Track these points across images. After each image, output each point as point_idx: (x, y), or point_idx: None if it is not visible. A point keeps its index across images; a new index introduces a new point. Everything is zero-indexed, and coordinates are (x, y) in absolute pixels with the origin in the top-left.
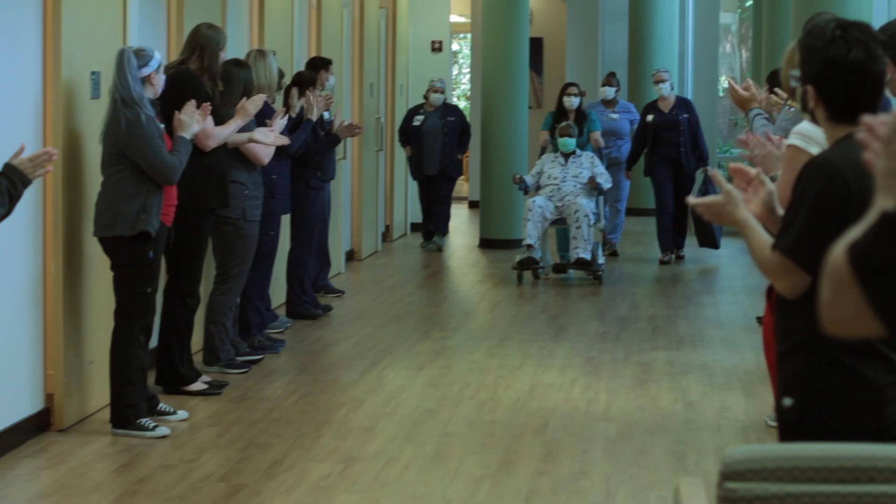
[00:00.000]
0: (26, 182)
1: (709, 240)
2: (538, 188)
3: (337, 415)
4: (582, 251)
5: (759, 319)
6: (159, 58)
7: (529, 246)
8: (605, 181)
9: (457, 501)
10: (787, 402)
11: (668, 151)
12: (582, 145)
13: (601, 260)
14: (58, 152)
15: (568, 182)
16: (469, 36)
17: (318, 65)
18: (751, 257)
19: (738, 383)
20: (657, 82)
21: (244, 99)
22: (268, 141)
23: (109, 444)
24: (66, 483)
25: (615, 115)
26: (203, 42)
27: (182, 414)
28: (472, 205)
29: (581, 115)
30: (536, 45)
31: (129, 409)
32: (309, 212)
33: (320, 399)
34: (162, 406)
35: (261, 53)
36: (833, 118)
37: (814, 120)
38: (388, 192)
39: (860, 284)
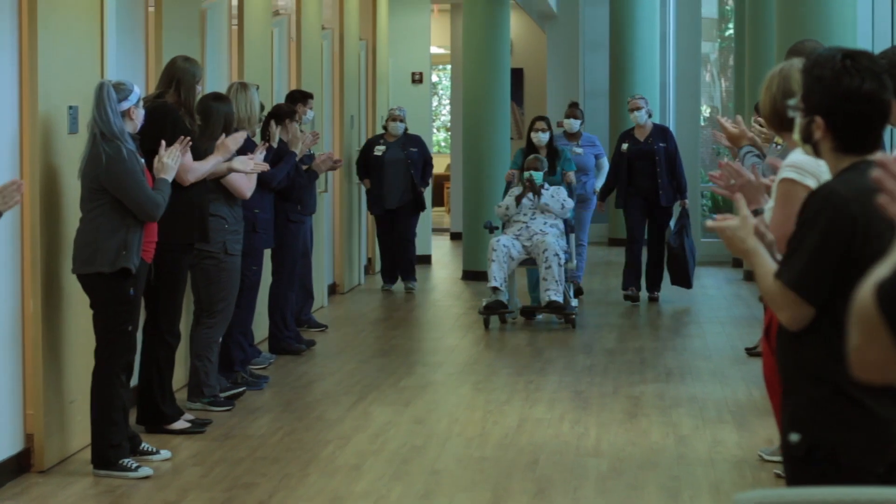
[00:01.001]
0: None
1: (682, 278)
2: (504, 226)
3: (323, 452)
4: (553, 293)
5: (749, 350)
6: (139, 92)
7: (495, 289)
8: (568, 208)
9: None
10: (795, 437)
11: (643, 183)
12: (555, 185)
13: (574, 302)
14: (25, 183)
15: (537, 219)
16: (449, 67)
17: (297, 98)
18: (757, 286)
19: (730, 416)
20: (632, 110)
21: (224, 135)
22: (247, 169)
23: (91, 485)
24: None
25: (579, 150)
26: (179, 75)
27: (165, 454)
28: (454, 236)
29: (553, 152)
30: (517, 75)
31: (110, 450)
32: (290, 246)
33: (306, 436)
34: (144, 446)
35: (242, 86)
36: (840, 149)
37: (815, 152)
38: (370, 224)
39: (889, 326)
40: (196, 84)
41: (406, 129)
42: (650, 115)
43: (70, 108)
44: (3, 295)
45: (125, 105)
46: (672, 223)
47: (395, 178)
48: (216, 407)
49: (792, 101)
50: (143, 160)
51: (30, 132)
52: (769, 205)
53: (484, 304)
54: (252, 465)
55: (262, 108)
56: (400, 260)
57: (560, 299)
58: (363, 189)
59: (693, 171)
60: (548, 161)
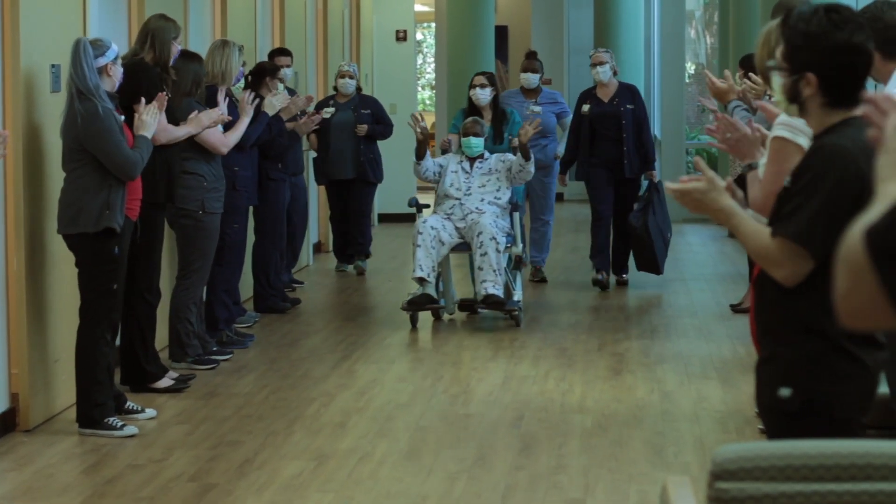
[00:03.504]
0: None
1: (649, 262)
2: (434, 203)
3: (308, 410)
4: (491, 285)
5: (734, 307)
6: (116, 49)
7: (421, 280)
8: (532, 172)
9: (433, 498)
10: (785, 392)
11: (607, 150)
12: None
13: (517, 296)
14: (9, 134)
15: (473, 195)
16: (433, 25)
17: (274, 56)
18: (743, 245)
19: (715, 373)
20: (594, 65)
21: (196, 112)
22: (212, 117)
23: (77, 444)
24: (33, 485)
25: (537, 108)
26: (154, 32)
27: (150, 412)
28: None
29: (500, 115)
30: (502, 32)
31: (95, 408)
32: (272, 204)
33: (291, 394)
34: (129, 405)
35: (223, 44)
36: (829, 104)
37: (801, 110)
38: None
39: (877, 270)
40: (171, 41)
41: (360, 89)
42: (615, 73)
43: (52, 66)
44: None
45: (102, 61)
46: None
47: (345, 144)
48: (200, 365)
49: (771, 62)
50: (122, 118)
51: (12, 90)
52: (763, 160)
53: (408, 298)
54: (237, 423)
55: (244, 65)
56: (352, 237)
57: (498, 292)
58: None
59: (678, 130)
60: (492, 127)
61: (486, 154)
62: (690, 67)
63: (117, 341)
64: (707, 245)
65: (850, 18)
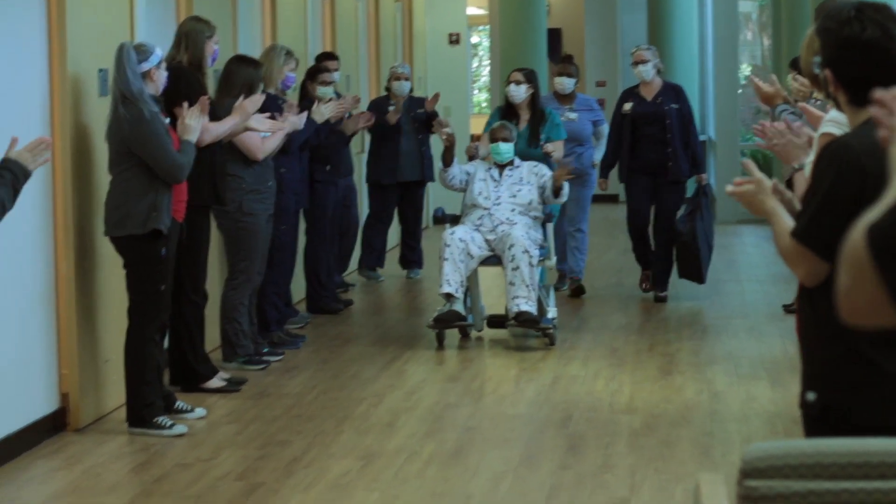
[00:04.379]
0: (27, 174)
1: (693, 271)
2: (460, 216)
3: (357, 410)
4: (523, 302)
5: (786, 307)
6: (160, 54)
7: (448, 295)
8: (553, 201)
9: (478, 497)
10: (811, 396)
11: (649, 153)
12: (533, 157)
13: (551, 313)
14: (56, 144)
15: (503, 205)
16: (488, 28)
17: (320, 60)
18: (775, 245)
19: (765, 373)
20: (636, 63)
21: (242, 97)
22: (262, 128)
23: (126, 443)
24: (81, 484)
25: (573, 115)
26: (186, 33)
27: (200, 412)
28: None
29: (538, 115)
30: (555, 35)
31: (145, 408)
32: (319, 206)
33: (340, 395)
34: (179, 404)
35: (270, 48)
36: (853, 102)
37: (837, 106)
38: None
39: (879, 268)
40: (206, 41)
41: (412, 90)
42: (659, 71)
43: (100, 70)
44: (36, 256)
45: (145, 66)
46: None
47: (410, 145)
48: (251, 366)
49: (817, 58)
50: (167, 120)
51: (60, 95)
52: (810, 159)
53: (435, 315)
54: (286, 423)
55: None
56: (409, 243)
57: (531, 309)
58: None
59: (733, 131)
60: (530, 127)
61: (517, 161)
62: (746, 69)
63: (166, 342)
64: (761, 246)
65: (871, 17)
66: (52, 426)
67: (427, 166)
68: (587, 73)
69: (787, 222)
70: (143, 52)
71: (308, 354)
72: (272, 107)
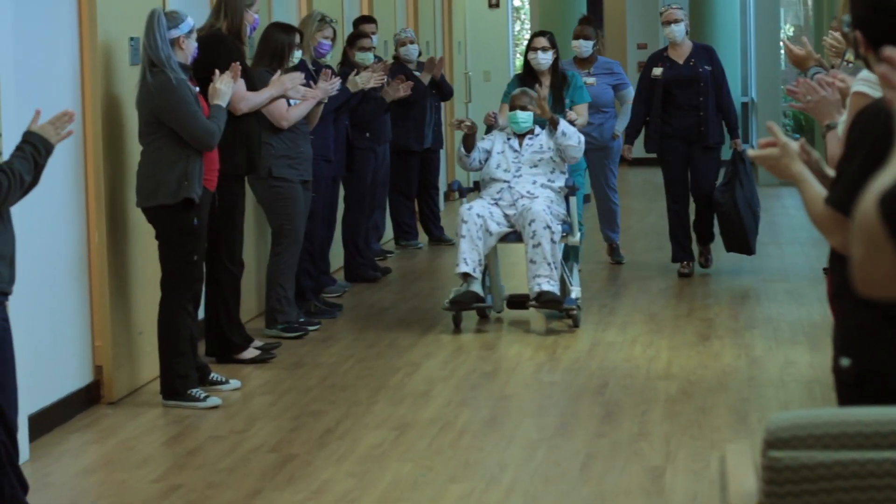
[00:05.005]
0: (49, 148)
1: (740, 242)
2: (476, 187)
3: (392, 380)
4: (545, 281)
5: (826, 270)
6: (191, 22)
7: (465, 275)
8: (576, 146)
9: (512, 467)
10: (846, 362)
11: (682, 118)
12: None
13: (575, 292)
14: (87, 114)
15: (523, 177)
16: None
17: (360, 24)
18: (805, 211)
19: (804, 337)
20: (667, 23)
21: (279, 72)
22: (297, 95)
23: (160, 415)
24: (114, 458)
25: (591, 80)
26: (227, 1)
27: (234, 383)
28: None
29: (560, 79)
30: None
31: (178, 380)
32: (359, 173)
33: (376, 364)
34: (213, 376)
35: (308, 16)
36: None
37: (868, 66)
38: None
39: (893, 237)
40: (245, 9)
41: (420, 54)
42: (687, 32)
43: (131, 39)
44: (68, 227)
45: (174, 33)
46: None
47: (422, 110)
48: (290, 333)
49: (846, 18)
50: (196, 89)
51: (90, 63)
52: (842, 118)
53: (451, 296)
54: (321, 393)
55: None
56: (428, 213)
57: (554, 289)
58: (471, 108)
59: (774, 92)
60: (551, 93)
61: (537, 129)
62: (790, 29)
63: (201, 313)
64: (801, 208)
65: None
66: (87, 399)
67: (440, 133)
68: (628, 34)
69: (817, 188)
70: (173, 19)
71: (345, 323)
72: (304, 74)
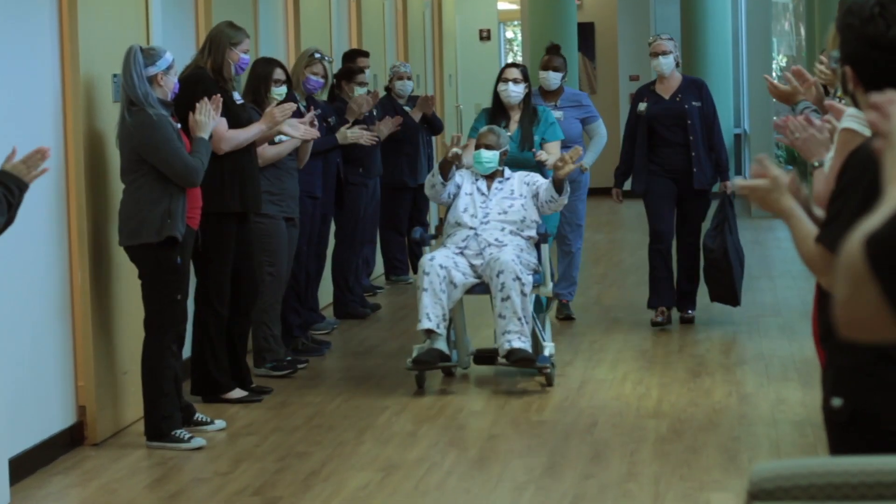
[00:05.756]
0: (23, 186)
1: (726, 292)
2: (437, 237)
3: (380, 419)
4: (516, 338)
5: None
6: (169, 59)
7: (429, 332)
8: (565, 203)
9: None
10: (837, 402)
11: (670, 157)
12: (527, 165)
13: (548, 349)
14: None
15: (491, 223)
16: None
17: (353, 57)
18: (795, 248)
19: (796, 374)
20: (654, 55)
21: (274, 104)
22: (296, 134)
23: (144, 457)
24: (96, 501)
25: (558, 113)
26: (211, 38)
27: (219, 423)
28: None
29: (531, 115)
30: (588, 30)
31: (163, 421)
32: (350, 209)
33: (363, 403)
34: (199, 416)
35: (303, 52)
36: None
37: (855, 103)
38: None
39: (878, 280)
40: (229, 47)
41: (413, 91)
42: (678, 65)
43: (114, 75)
44: (50, 266)
45: (152, 70)
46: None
47: (416, 147)
48: (278, 371)
49: (835, 53)
50: (178, 125)
51: (72, 100)
52: (829, 155)
53: (414, 355)
54: (307, 434)
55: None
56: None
57: (525, 346)
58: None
59: (766, 124)
60: (520, 129)
61: (507, 171)
62: (783, 60)
63: (187, 352)
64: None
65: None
66: (70, 440)
67: (430, 167)
68: (620, 66)
69: (808, 226)
70: (150, 56)
71: (332, 361)
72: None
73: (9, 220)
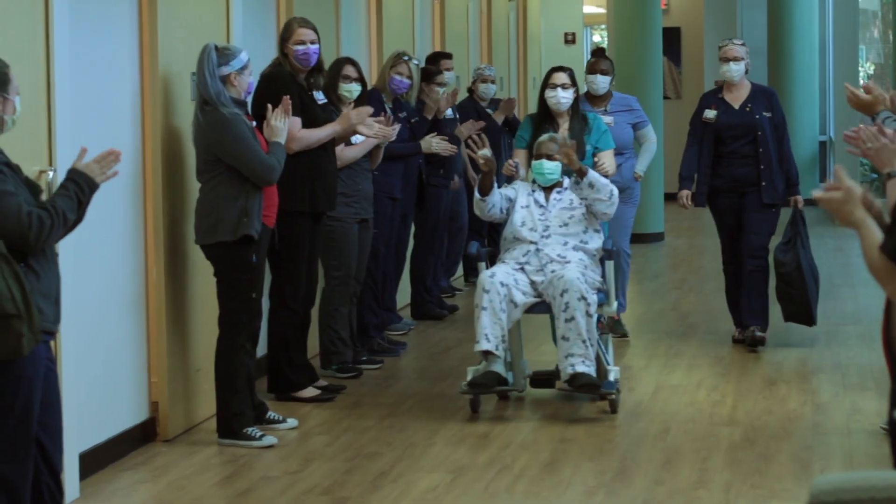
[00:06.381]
0: (93, 186)
1: (801, 310)
2: (496, 254)
3: (451, 421)
4: (580, 362)
5: None
6: (244, 59)
7: (487, 353)
8: (607, 201)
9: None
10: None
11: (735, 169)
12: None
13: (613, 374)
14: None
15: (552, 238)
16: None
17: (436, 59)
18: (863, 259)
19: (873, 383)
20: (726, 59)
21: (350, 106)
22: (370, 133)
23: (214, 454)
24: (164, 498)
25: (608, 118)
26: (282, 35)
27: (291, 422)
28: None
29: (580, 121)
30: (674, 34)
31: (234, 418)
32: (430, 210)
33: (436, 404)
34: (271, 414)
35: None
36: None
37: None
38: None
39: None
40: (285, 41)
41: (496, 93)
42: (747, 71)
43: (193, 74)
44: (126, 263)
45: (225, 70)
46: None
47: (498, 149)
48: (344, 374)
49: None
50: (253, 123)
51: (150, 98)
52: None
53: (469, 378)
54: (378, 434)
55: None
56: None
57: (589, 370)
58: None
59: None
60: (571, 137)
61: (566, 181)
62: (870, 67)
63: (262, 349)
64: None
65: None
66: (142, 436)
67: None
68: (706, 71)
69: (875, 235)
70: (225, 55)
71: (408, 362)
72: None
73: (78, 219)
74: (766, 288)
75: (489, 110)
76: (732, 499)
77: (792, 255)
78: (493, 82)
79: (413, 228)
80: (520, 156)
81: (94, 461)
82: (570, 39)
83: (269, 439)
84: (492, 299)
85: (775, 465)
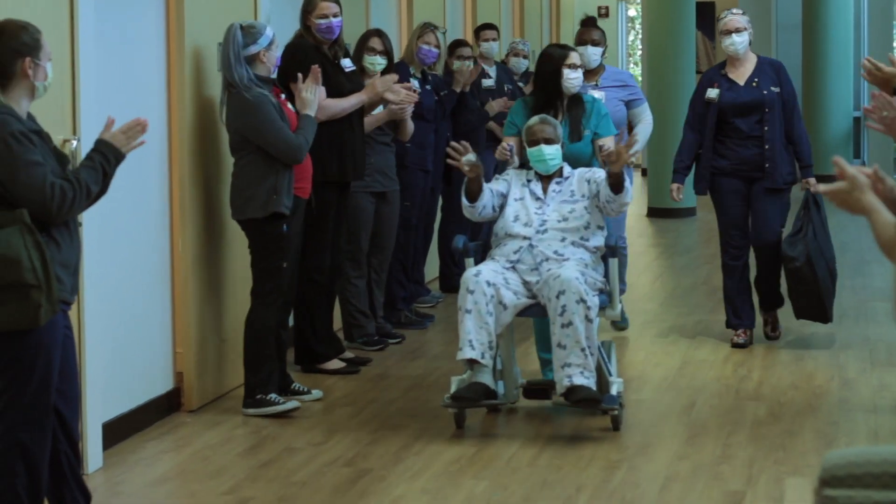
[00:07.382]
0: (119, 157)
1: (814, 306)
2: (487, 247)
3: None
4: (578, 373)
5: None
6: (270, 35)
7: (472, 362)
8: (629, 203)
9: (588, 488)
10: None
11: (740, 151)
12: (578, 160)
13: (616, 387)
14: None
15: (549, 233)
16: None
17: (478, 31)
18: (875, 241)
19: None
20: (728, 32)
21: (378, 76)
22: (396, 98)
23: (239, 425)
24: (188, 468)
25: (599, 93)
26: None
27: (316, 393)
28: (642, 171)
29: (575, 102)
30: (708, 8)
31: (259, 386)
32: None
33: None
34: (296, 385)
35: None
36: None
37: None
38: None
39: None
40: (308, 15)
41: (528, 69)
42: (751, 43)
43: (220, 44)
44: (153, 234)
45: (253, 49)
46: (792, 215)
47: None
48: (369, 346)
49: None
50: (283, 96)
51: (177, 69)
52: None
53: (453, 390)
54: (403, 406)
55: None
56: None
57: (589, 382)
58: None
59: None
60: (570, 119)
61: (567, 169)
62: None
63: (291, 321)
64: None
65: None
66: (167, 406)
67: None
68: None
69: (886, 215)
70: (251, 34)
71: (434, 335)
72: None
73: (102, 191)
74: (778, 282)
75: (521, 83)
76: (755, 474)
77: (801, 247)
78: (525, 57)
79: (441, 201)
80: (512, 142)
81: (117, 431)
82: (603, 13)
83: (292, 403)
84: (477, 301)
85: (799, 441)
